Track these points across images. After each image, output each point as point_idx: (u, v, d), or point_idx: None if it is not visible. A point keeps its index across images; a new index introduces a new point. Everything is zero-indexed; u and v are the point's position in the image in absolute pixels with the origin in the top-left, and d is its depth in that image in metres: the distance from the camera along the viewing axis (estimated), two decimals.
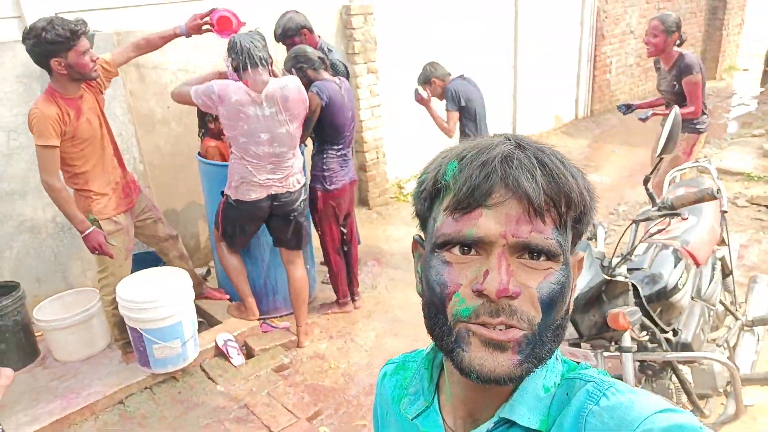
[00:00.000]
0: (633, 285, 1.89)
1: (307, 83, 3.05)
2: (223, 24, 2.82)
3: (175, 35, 2.88)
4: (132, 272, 3.00)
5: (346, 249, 3.51)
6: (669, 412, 0.54)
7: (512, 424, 0.61)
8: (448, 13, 5.61)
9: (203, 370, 2.95)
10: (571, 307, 0.64)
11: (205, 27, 2.87)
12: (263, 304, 3.46)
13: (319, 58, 3.18)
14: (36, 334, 3.25)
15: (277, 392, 2.75)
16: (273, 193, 2.90)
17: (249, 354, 3.09)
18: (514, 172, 0.56)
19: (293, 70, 3.09)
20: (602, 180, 5.68)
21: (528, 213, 0.56)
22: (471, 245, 0.58)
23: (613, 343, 1.95)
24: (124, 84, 3.70)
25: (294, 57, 3.12)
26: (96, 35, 3.33)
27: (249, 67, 2.67)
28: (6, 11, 3.24)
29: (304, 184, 3.08)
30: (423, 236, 0.67)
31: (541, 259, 0.57)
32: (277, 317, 3.51)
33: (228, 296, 3.53)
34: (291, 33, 3.37)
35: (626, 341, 1.85)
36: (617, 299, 1.88)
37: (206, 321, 3.40)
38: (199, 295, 3.45)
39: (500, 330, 0.56)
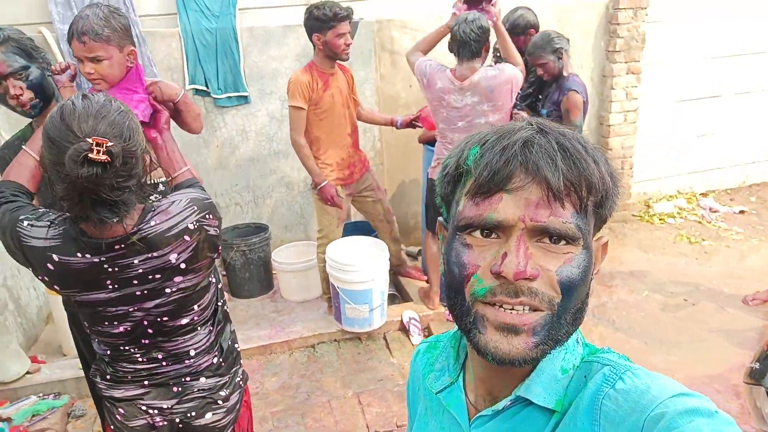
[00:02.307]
0: None
1: (559, 70, 2.92)
2: (426, 122, 3.24)
3: (391, 123, 3.40)
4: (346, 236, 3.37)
5: None
6: (685, 396, 0.53)
7: (529, 402, 0.62)
8: (747, 10, 4.65)
9: (385, 339, 3.17)
10: (593, 292, 0.64)
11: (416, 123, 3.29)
12: None
13: None
14: (273, 272, 3.91)
15: None
16: None
17: (427, 336, 3.18)
18: (534, 156, 0.57)
19: (546, 54, 2.91)
20: None
21: (547, 198, 0.56)
22: (492, 229, 0.59)
23: None
24: (376, 68, 4.09)
25: (550, 40, 2.91)
26: (360, 23, 3.75)
27: (459, 56, 2.70)
28: None
29: None
30: (447, 220, 0.68)
31: (561, 243, 0.58)
32: None
33: (426, 278, 3.67)
34: (518, 31, 3.19)
35: None
36: None
37: (400, 296, 3.62)
38: (400, 272, 3.68)
39: (516, 313, 0.57)
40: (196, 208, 1.25)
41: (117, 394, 1.37)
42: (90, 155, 1.04)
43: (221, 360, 1.42)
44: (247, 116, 3.99)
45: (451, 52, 2.80)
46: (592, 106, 4.38)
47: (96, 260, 1.18)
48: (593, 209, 0.60)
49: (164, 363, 1.35)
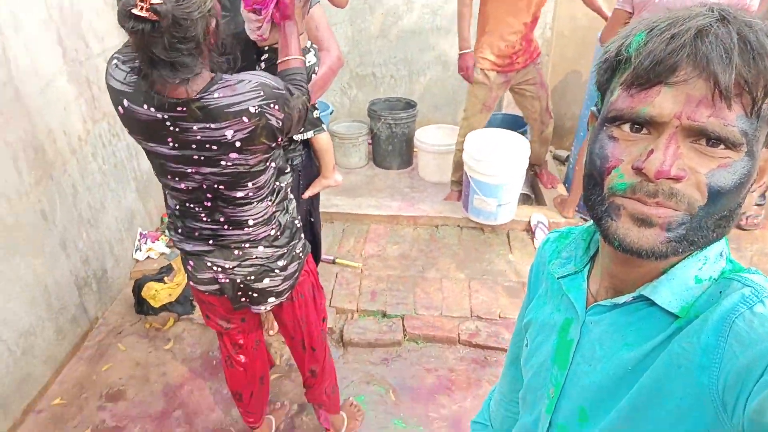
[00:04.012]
0: None
1: None
2: None
3: None
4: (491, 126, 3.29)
5: None
6: None
7: (651, 303, 0.61)
8: None
9: (507, 236, 3.17)
10: (746, 209, 0.60)
11: None
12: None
13: None
14: (414, 149, 4.00)
15: None
16: None
17: None
18: (705, 48, 0.50)
19: None
20: None
21: (712, 96, 0.51)
22: (642, 124, 0.55)
23: None
24: None
25: None
26: None
27: None
28: None
29: None
30: (599, 111, 0.64)
31: (720, 147, 0.53)
32: None
33: (556, 186, 3.50)
34: None
35: None
36: None
37: (534, 197, 3.52)
38: (535, 173, 3.54)
39: (653, 206, 0.54)
40: (262, 93, 1.22)
41: (187, 247, 1.49)
42: (132, 10, 1.05)
43: (278, 233, 1.48)
44: None
45: None
46: None
47: (159, 116, 1.22)
48: None
49: (226, 227, 1.42)
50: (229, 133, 1.23)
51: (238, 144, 1.24)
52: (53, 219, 2.29)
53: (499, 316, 2.61)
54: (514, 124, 3.70)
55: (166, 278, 2.73)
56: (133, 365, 2.43)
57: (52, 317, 2.31)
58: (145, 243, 2.98)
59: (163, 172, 1.35)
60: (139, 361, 2.44)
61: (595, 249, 0.72)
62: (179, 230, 1.49)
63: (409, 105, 3.95)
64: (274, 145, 1.31)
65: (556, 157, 4.21)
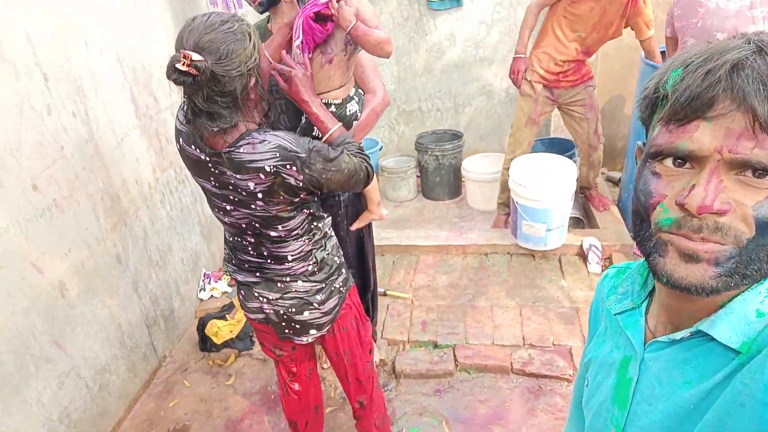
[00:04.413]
0: None
1: None
2: None
3: None
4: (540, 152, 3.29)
5: None
6: None
7: (711, 338, 0.59)
8: None
9: (559, 261, 3.12)
10: None
11: None
12: None
13: None
14: (462, 179, 4.04)
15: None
16: None
17: (607, 267, 3.04)
18: (741, 81, 0.51)
19: None
20: None
21: (753, 128, 0.51)
22: (684, 158, 0.56)
23: None
24: None
25: None
26: None
27: None
28: None
29: None
30: (645, 144, 0.66)
31: (767, 178, 0.52)
32: None
33: (609, 208, 3.42)
34: None
35: None
36: None
37: (586, 221, 3.46)
38: (585, 196, 3.48)
39: (700, 242, 0.55)
40: (278, 155, 1.31)
41: (239, 277, 1.61)
42: (176, 64, 1.18)
43: (315, 269, 1.55)
44: (458, 20, 3.97)
45: None
46: None
47: (203, 157, 1.36)
48: None
49: (269, 261, 1.53)
50: (251, 185, 1.34)
51: (260, 195, 1.36)
52: (126, 262, 2.50)
53: (553, 344, 2.57)
54: (562, 148, 3.68)
55: (227, 315, 2.89)
56: (198, 401, 2.56)
57: (125, 355, 2.50)
58: (209, 283, 3.17)
59: (212, 206, 1.50)
60: (203, 397, 2.58)
61: (653, 284, 0.72)
62: (233, 261, 1.63)
63: (456, 136, 4.01)
64: (297, 199, 1.40)
65: (609, 179, 4.12)
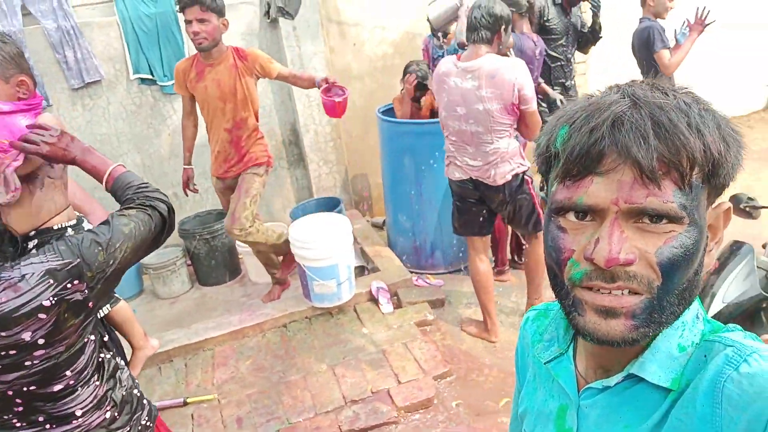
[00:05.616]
0: None
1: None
2: (331, 109, 2.95)
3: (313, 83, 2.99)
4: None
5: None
6: None
7: (642, 379, 0.60)
8: None
9: (355, 311, 3.19)
10: (706, 269, 0.61)
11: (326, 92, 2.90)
12: (421, 260, 3.55)
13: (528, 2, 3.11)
14: (239, 256, 3.88)
15: (413, 345, 2.84)
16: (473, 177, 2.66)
17: (398, 304, 3.22)
18: (623, 137, 0.53)
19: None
20: None
21: (641, 178, 0.53)
22: (585, 212, 0.57)
23: None
24: (325, 41, 4.02)
25: None
26: None
27: (468, 40, 2.54)
28: None
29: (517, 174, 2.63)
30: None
31: (663, 222, 0.55)
32: (432, 274, 3.57)
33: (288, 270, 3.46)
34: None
35: None
36: None
37: (368, 267, 3.64)
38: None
39: (614, 295, 0.56)
40: (52, 282, 1.05)
41: None
42: None
43: (116, 413, 1.27)
44: None
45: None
46: None
47: None
48: (703, 181, 0.56)
49: (48, 426, 1.19)
50: (26, 335, 1.04)
51: (41, 341, 1.06)
52: None
53: (371, 392, 2.57)
54: (328, 206, 3.84)
55: None
56: None
57: None
58: None
59: None
60: None
61: None
62: None
63: (222, 215, 3.85)
64: (83, 316, 1.13)
65: (374, 225, 4.43)
